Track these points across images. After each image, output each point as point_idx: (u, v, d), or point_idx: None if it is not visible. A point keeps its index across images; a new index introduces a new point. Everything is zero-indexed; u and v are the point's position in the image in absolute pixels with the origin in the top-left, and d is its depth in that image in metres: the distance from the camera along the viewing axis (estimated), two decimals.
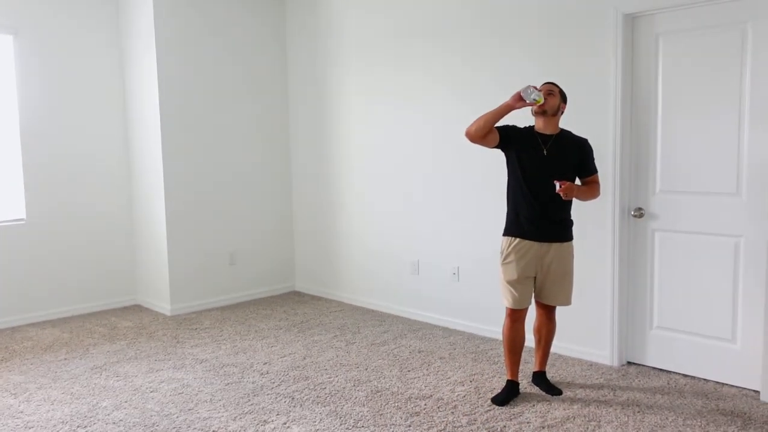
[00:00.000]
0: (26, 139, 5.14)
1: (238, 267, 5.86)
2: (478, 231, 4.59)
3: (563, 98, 3.38)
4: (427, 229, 4.98)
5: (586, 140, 3.46)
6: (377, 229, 5.37)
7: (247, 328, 4.99)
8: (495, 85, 4.34)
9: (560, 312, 4.15)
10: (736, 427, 3.08)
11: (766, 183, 3.34)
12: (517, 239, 3.37)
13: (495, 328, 4.48)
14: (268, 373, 3.97)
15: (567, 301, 3.50)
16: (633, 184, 3.86)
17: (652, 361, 3.87)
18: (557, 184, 3.22)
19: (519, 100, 3.20)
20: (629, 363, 3.96)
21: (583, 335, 4.07)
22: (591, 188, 3.46)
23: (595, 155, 3.46)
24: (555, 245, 3.36)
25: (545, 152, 3.32)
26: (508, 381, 3.54)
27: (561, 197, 3.26)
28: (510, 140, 3.36)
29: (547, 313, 3.55)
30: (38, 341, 4.72)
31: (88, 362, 4.23)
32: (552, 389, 3.57)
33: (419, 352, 4.30)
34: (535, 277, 3.41)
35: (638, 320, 3.91)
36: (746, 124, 3.40)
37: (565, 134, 3.42)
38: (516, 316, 3.45)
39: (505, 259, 3.41)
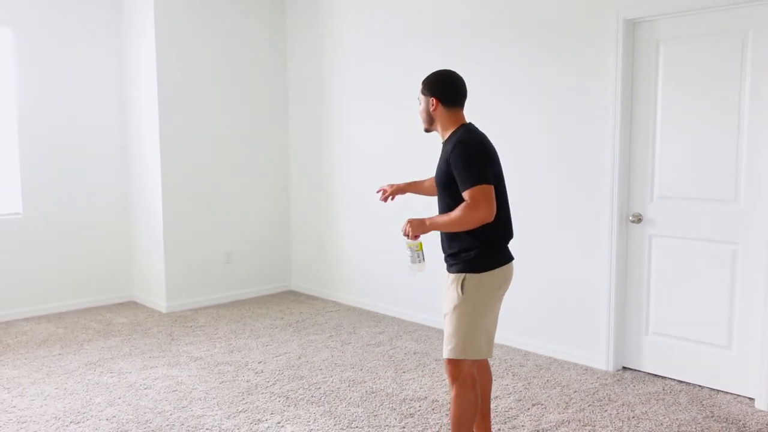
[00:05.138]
0: (23, 133, 5.13)
1: (234, 265, 5.84)
2: None
3: (431, 92, 2.60)
4: None
5: (459, 142, 2.48)
6: (374, 229, 5.37)
7: (242, 326, 4.98)
8: (493, 88, 4.35)
9: (556, 315, 4.17)
10: None
11: (764, 191, 3.35)
12: None
13: None
14: (262, 372, 3.96)
15: (446, 351, 2.56)
16: (631, 190, 3.86)
17: (647, 367, 3.87)
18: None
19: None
20: (624, 368, 3.96)
21: (579, 339, 4.07)
22: (449, 215, 2.48)
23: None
24: (449, 278, 2.65)
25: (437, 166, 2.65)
26: None
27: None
28: None
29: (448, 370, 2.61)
30: (33, 336, 4.70)
31: (82, 358, 4.22)
32: None
33: (414, 353, 4.29)
34: None
35: (634, 325, 3.91)
36: (745, 132, 3.40)
37: (454, 135, 2.57)
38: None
39: None
